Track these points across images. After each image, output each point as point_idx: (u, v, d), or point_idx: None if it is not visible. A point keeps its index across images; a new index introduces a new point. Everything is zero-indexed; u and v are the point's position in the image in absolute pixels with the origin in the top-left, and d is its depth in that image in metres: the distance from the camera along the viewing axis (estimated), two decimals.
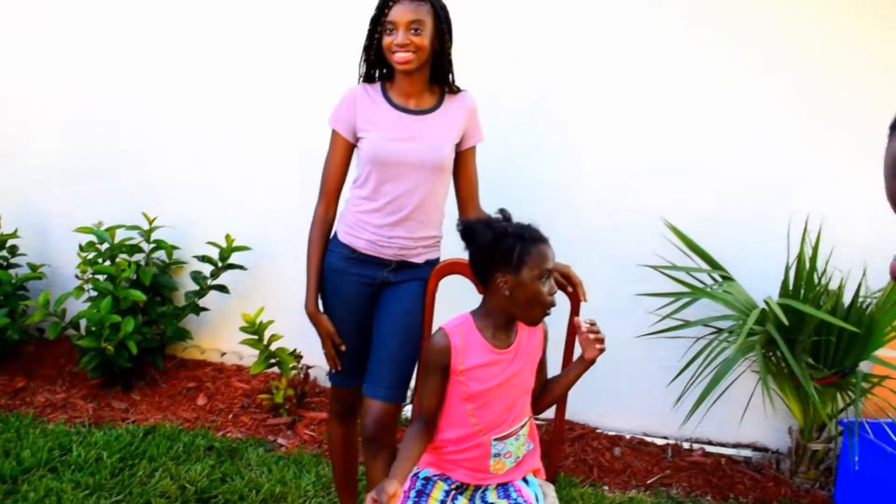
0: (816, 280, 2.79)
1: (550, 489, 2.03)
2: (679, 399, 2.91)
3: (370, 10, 2.14)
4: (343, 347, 2.23)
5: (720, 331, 2.85)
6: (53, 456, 2.77)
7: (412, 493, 1.87)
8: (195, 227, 3.51)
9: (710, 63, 3.03)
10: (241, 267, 3.40)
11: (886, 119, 2.92)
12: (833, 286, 2.84)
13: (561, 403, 2.13)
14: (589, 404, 3.27)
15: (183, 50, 3.44)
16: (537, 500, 1.90)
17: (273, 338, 3.20)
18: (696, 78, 3.05)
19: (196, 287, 3.43)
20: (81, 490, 2.59)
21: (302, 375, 3.33)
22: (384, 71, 2.21)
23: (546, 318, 1.86)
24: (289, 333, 3.21)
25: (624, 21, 3.06)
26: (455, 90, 2.23)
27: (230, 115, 3.44)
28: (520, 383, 1.88)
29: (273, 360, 3.21)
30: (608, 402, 3.30)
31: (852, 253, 2.95)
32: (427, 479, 1.89)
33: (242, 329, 3.14)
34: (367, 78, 2.23)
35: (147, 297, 3.26)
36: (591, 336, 1.88)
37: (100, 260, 3.24)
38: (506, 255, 1.77)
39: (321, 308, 2.23)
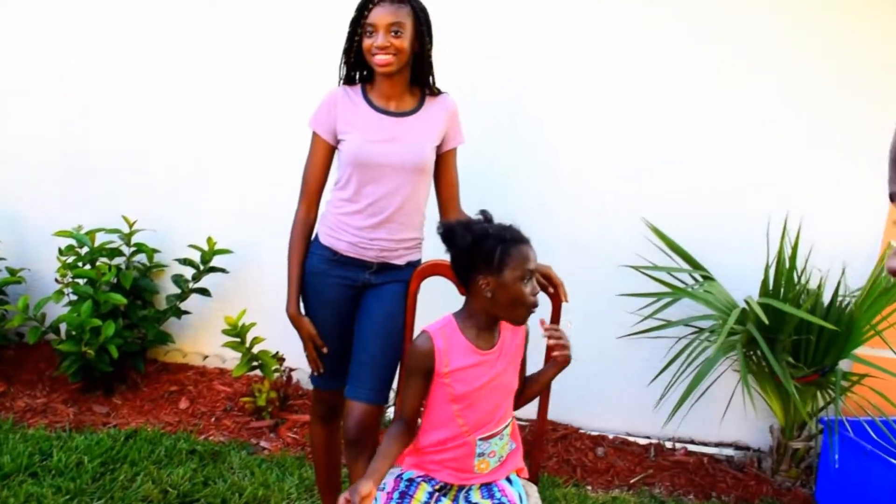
0: (796, 279, 2.81)
1: (533, 489, 2.04)
2: (661, 399, 2.92)
3: None
4: (325, 350, 2.22)
5: (701, 330, 2.86)
6: (34, 461, 2.74)
7: (395, 495, 1.87)
8: (176, 230, 3.49)
9: (690, 63, 3.05)
10: (222, 270, 3.39)
11: (861, 120, 2.97)
12: (813, 285, 2.87)
13: (543, 404, 2.13)
14: (572, 404, 3.29)
15: (174, 51, 3.41)
16: (521, 500, 1.91)
17: (255, 340, 3.19)
18: (675, 78, 3.06)
19: (177, 290, 3.41)
20: (62, 495, 2.56)
21: (284, 378, 3.32)
22: (364, 73, 2.21)
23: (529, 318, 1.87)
24: (271, 336, 3.20)
25: (601, 20, 3.07)
26: (436, 92, 2.23)
27: (215, 117, 3.42)
28: (504, 383, 1.89)
29: (255, 363, 3.20)
30: (591, 402, 3.31)
31: (831, 252, 2.98)
32: (410, 480, 1.89)
33: (225, 332, 3.13)
34: (348, 80, 2.23)
35: (128, 301, 3.24)
36: (551, 342, 1.89)
37: (80, 264, 3.21)
38: (487, 257, 1.77)
39: (303, 310, 2.23)
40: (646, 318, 2.97)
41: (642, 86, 3.08)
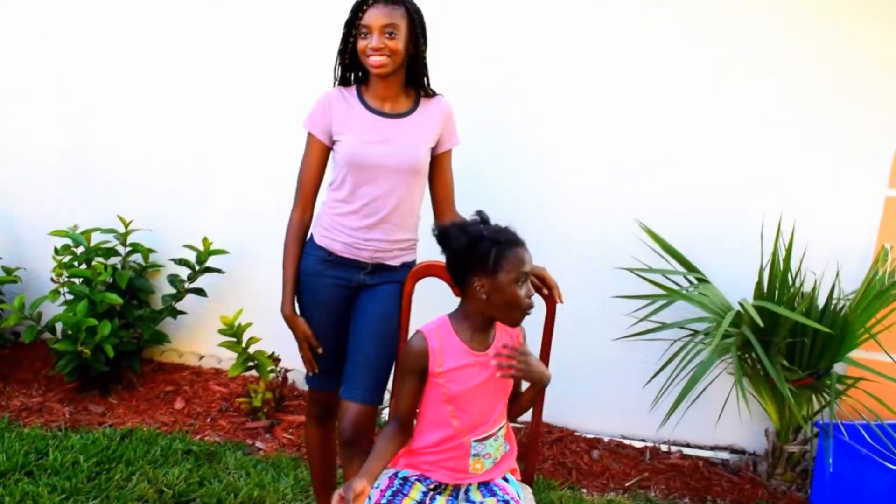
0: (790, 282, 2.81)
1: (528, 491, 2.04)
2: (655, 401, 2.92)
3: None
4: (320, 350, 2.23)
5: (696, 333, 2.87)
6: (29, 460, 2.75)
7: (388, 493, 1.87)
8: (172, 230, 3.49)
9: (686, 65, 3.05)
10: (218, 270, 3.39)
11: (857, 122, 2.97)
12: (807, 288, 2.87)
13: (537, 407, 2.13)
14: (567, 407, 3.29)
15: (173, 51, 3.42)
16: (521, 497, 1.91)
17: (251, 341, 3.19)
18: (671, 80, 3.06)
19: (173, 290, 3.41)
20: (58, 494, 2.57)
21: (280, 379, 3.33)
22: (359, 74, 2.22)
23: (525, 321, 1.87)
24: (267, 337, 3.20)
25: (598, 20, 3.07)
26: (431, 94, 2.24)
27: (212, 117, 3.43)
28: (499, 385, 1.89)
29: (251, 364, 3.20)
30: (587, 405, 3.31)
31: (826, 254, 2.98)
32: (405, 479, 1.89)
33: (221, 331, 3.13)
34: (343, 81, 2.23)
35: (123, 301, 3.24)
36: (493, 363, 1.84)
37: (75, 263, 3.22)
38: (482, 259, 1.77)
39: (297, 311, 2.23)
40: (641, 320, 2.98)
41: (637, 87, 3.09)
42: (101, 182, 3.55)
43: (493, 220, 1.89)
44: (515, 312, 1.81)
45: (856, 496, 2.73)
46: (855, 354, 2.84)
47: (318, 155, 2.21)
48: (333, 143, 2.18)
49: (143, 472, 2.74)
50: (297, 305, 2.24)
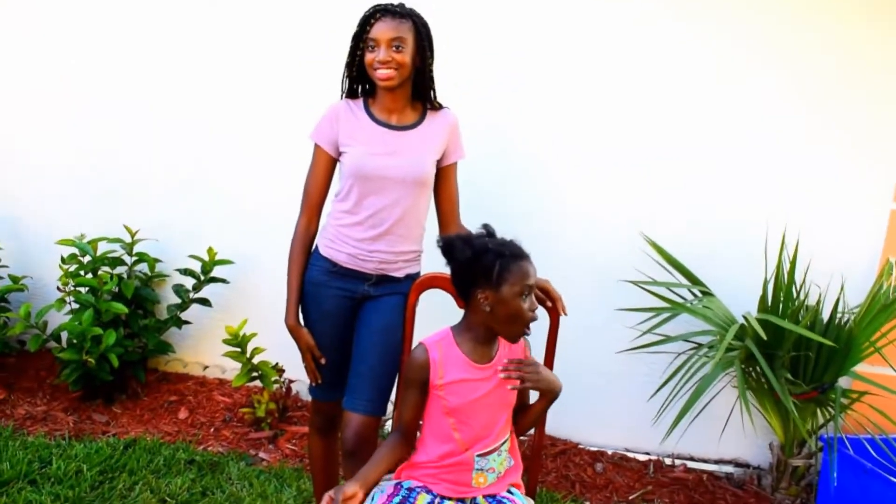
0: (795, 295, 2.81)
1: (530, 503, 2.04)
2: (659, 415, 2.92)
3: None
4: (323, 361, 2.23)
5: (700, 346, 2.86)
6: (33, 468, 2.75)
7: (395, 499, 1.87)
8: (178, 240, 3.51)
9: (689, 76, 3.06)
10: (223, 280, 3.40)
11: (862, 130, 2.97)
12: (812, 301, 2.86)
13: (540, 420, 2.13)
14: (571, 419, 3.28)
15: (176, 59, 3.43)
16: None
17: (256, 351, 3.19)
18: (674, 93, 3.07)
19: (178, 300, 3.42)
20: (61, 503, 2.57)
21: (284, 389, 3.33)
22: (366, 87, 2.23)
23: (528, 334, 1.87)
24: (271, 347, 3.21)
25: (601, 30, 3.08)
26: (437, 106, 2.25)
27: (217, 128, 3.44)
28: (501, 399, 1.89)
29: (255, 374, 3.20)
30: (590, 418, 3.31)
31: (830, 267, 2.98)
32: (410, 489, 1.89)
33: (225, 341, 3.13)
34: (350, 93, 2.25)
35: (129, 310, 3.25)
36: (501, 375, 1.85)
37: (82, 272, 3.23)
38: (486, 272, 1.78)
39: (301, 321, 2.24)
40: (644, 332, 2.97)
41: (641, 101, 3.09)
42: (107, 191, 3.57)
43: (498, 234, 1.90)
44: (518, 325, 1.81)
45: None
46: (859, 368, 2.83)
47: (325, 166, 2.22)
48: (340, 154, 2.20)
49: (147, 481, 2.74)
50: (301, 316, 2.25)
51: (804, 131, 3.02)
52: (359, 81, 2.23)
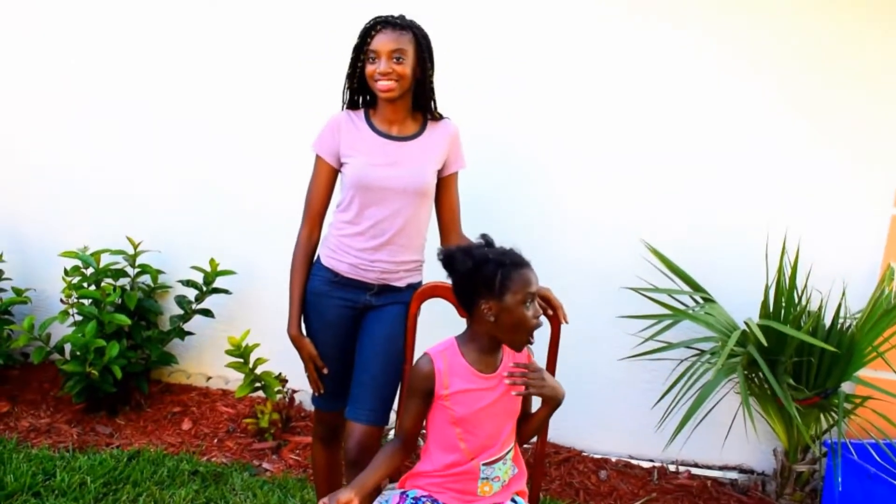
0: (796, 300, 2.81)
1: None
2: (662, 422, 2.92)
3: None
4: (325, 371, 2.24)
5: (703, 353, 2.86)
6: (37, 481, 2.75)
7: None
8: (180, 251, 3.51)
9: (690, 84, 3.07)
10: (225, 291, 3.41)
11: (862, 140, 2.97)
12: (814, 306, 2.87)
13: (543, 428, 2.13)
14: (575, 427, 3.28)
15: (179, 68, 3.44)
16: None
17: (258, 361, 3.20)
18: (675, 99, 3.08)
19: (181, 311, 3.43)
20: None
21: (287, 400, 3.33)
22: (367, 98, 2.25)
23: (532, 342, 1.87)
24: (274, 357, 3.21)
25: (602, 37, 3.09)
26: (438, 117, 2.27)
27: (220, 139, 3.45)
28: (506, 408, 1.90)
29: (258, 384, 3.20)
30: (594, 425, 3.31)
31: (832, 272, 2.98)
32: (416, 499, 1.90)
33: (228, 352, 3.14)
34: (351, 105, 2.26)
35: (132, 322, 3.25)
36: (507, 382, 1.87)
37: (85, 284, 3.24)
38: (488, 282, 1.79)
39: (304, 331, 2.25)
40: (646, 339, 2.97)
41: (641, 107, 3.10)
42: (110, 203, 3.58)
43: (497, 242, 1.90)
44: (523, 334, 1.82)
45: None
46: (862, 373, 2.83)
47: (326, 177, 2.24)
48: (341, 165, 2.21)
49: (150, 493, 2.74)
50: (303, 326, 2.25)
51: (805, 137, 3.03)
52: (360, 93, 2.25)
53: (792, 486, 3.00)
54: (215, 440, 3.21)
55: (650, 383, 3.14)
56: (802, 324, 2.76)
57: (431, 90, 2.23)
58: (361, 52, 2.15)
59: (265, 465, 3.05)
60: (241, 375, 3.23)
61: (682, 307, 2.99)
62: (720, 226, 3.11)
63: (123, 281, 3.39)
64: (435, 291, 2.13)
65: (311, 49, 3.25)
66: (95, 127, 3.55)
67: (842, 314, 2.79)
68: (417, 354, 1.95)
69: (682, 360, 2.96)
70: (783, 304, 2.79)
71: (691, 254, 3.08)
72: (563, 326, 2.10)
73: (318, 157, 2.24)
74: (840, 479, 2.78)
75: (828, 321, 2.82)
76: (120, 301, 3.27)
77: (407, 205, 2.18)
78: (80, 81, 3.53)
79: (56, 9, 3.50)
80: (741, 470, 3.26)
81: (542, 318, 1.88)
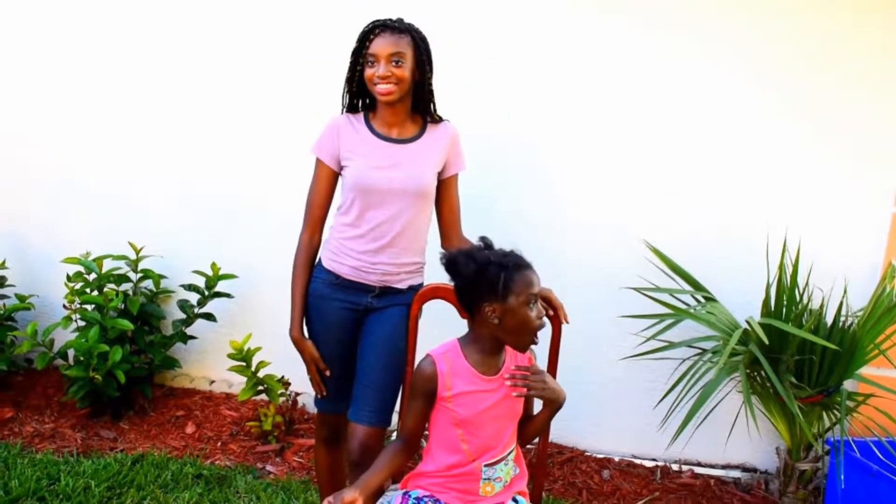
0: (798, 298, 2.81)
1: None
2: (664, 421, 2.92)
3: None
4: (328, 373, 2.25)
5: (705, 352, 2.87)
6: (41, 485, 2.76)
7: None
8: (182, 256, 3.52)
9: (690, 83, 3.07)
10: (227, 295, 3.42)
11: (863, 139, 2.97)
12: (815, 304, 2.87)
13: (544, 430, 2.13)
14: (577, 427, 3.29)
15: (180, 69, 3.45)
16: None
17: (261, 364, 3.20)
18: (675, 99, 3.08)
19: (183, 316, 3.43)
20: None
21: (290, 402, 3.34)
22: (367, 101, 2.26)
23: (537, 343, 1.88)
24: (277, 360, 3.21)
25: (604, 37, 3.10)
26: (437, 119, 2.27)
27: (221, 143, 3.46)
28: (508, 409, 1.91)
29: (261, 388, 3.21)
30: (596, 425, 3.31)
31: (833, 270, 2.98)
32: (418, 499, 1.91)
33: (230, 356, 3.14)
34: (351, 108, 2.27)
35: (135, 327, 3.26)
36: (508, 384, 1.87)
37: (87, 290, 3.25)
38: (491, 285, 1.79)
39: (306, 334, 2.26)
40: (648, 339, 2.98)
41: (642, 108, 3.10)
42: (112, 209, 3.59)
43: (499, 243, 1.91)
44: (527, 335, 1.83)
45: None
46: (864, 371, 2.83)
47: (327, 180, 2.25)
48: (341, 168, 2.22)
49: (154, 496, 2.75)
50: (305, 328, 2.26)
51: (805, 135, 3.03)
52: (359, 96, 2.26)
53: (795, 484, 3.00)
54: (219, 443, 3.22)
55: (652, 383, 3.15)
56: (804, 322, 2.76)
57: (430, 92, 2.24)
58: (360, 56, 2.16)
59: (269, 467, 3.06)
60: (244, 379, 3.24)
61: (683, 306, 2.99)
62: (721, 225, 3.12)
63: (126, 286, 3.40)
64: (436, 293, 2.14)
65: (311, 49, 3.26)
66: (97, 132, 3.56)
67: (843, 312, 2.79)
68: (419, 356, 1.96)
69: (684, 360, 2.96)
70: (785, 303, 2.79)
71: (692, 253, 3.08)
72: (565, 327, 2.10)
73: (318, 161, 2.25)
74: (843, 477, 2.78)
75: (829, 319, 2.82)
76: (123, 306, 3.28)
77: (407, 207, 2.19)
78: (79, 83, 3.54)
79: (57, 11, 3.51)
80: (744, 468, 3.26)
81: (545, 319, 1.89)
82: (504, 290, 1.78)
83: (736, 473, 3.23)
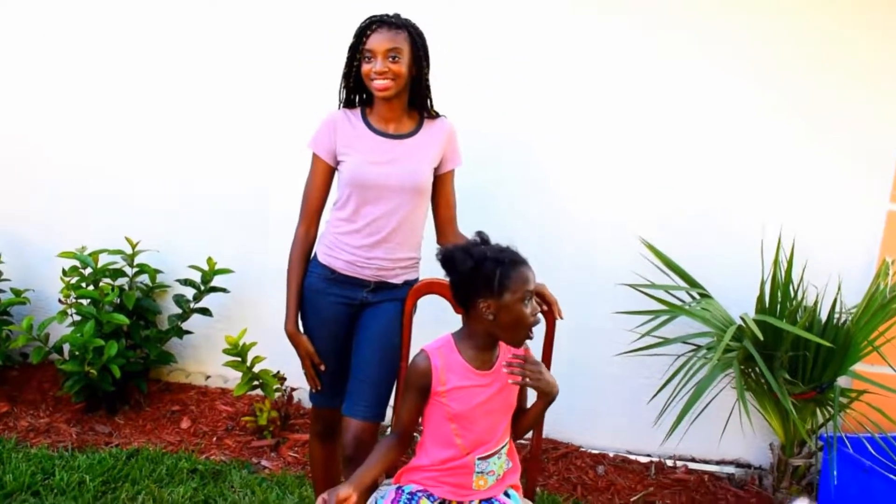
0: (792, 295, 2.82)
1: None
2: (659, 417, 2.93)
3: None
4: (322, 367, 2.25)
5: (699, 348, 2.88)
6: (36, 480, 2.76)
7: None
8: (178, 251, 3.52)
9: (685, 80, 3.08)
10: (223, 290, 3.41)
11: (858, 136, 2.98)
12: (809, 301, 2.88)
13: (537, 423, 2.14)
14: (572, 423, 3.30)
15: (175, 66, 3.44)
16: None
17: (256, 359, 3.21)
18: (670, 95, 3.09)
19: (179, 310, 3.43)
20: None
21: (286, 397, 3.34)
22: (364, 96, 2.26)
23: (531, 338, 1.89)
24: (273, 355, 3.21)
25: (599, 35, 3.10)
26: (434, 115, 2.28)
27: (216, 138, 3.45)
28: (502, 404, 1.91)
29: (257, 383, 3.21)
30: (591, 421, 3.32)
31: (827, 267, 2.99)
32: (412, 494, 1.91)
33: (226, 351, 3.15)
34: (348, 103, 2.27)
35: (130, 321, 3.26)
36: (505, 370, 1.87)
37: (83, 284, 3.24)
38: (487, 281, 1.80)
39: (301, 328, 2.26)
40: (643, 335, 2.99)
41: (637, 104, 3.11)
42: (108, 203, 3.58)
43: (495, 238, 1.91)
44: (521, 331, 1.84)
45: None
46: (858, 367, 2.85)
47: (323, 175, 2.25)
48: (338, 163, 2.22)
49: (149, 491, 2.75)
50: (300, 323, 2.27)
51: (801, 134, 3.04)
52: (356, 91, 2.26)
53: (788, 479, 3.02)
54: (214, 438, 3.22)
55: (648, 379, 3.15)
56: (798, 319, 2.77)
57: (427, 88, 2.24)
58: (357, 52, 2.16)
59: (264, 462, 3.06)
60: (240, 374, 3.24)
61: (678, 303, 3.00)
62: (716, 222, 3.13)
63: (122, 280, 3.39)
64: (431, 288, 2.14)
65: (311, 49, 3.25)
66: (93, 127, 3.55)
67: (837, 309, 2.80)
68: (413, 351, 1.97)
69: (678, 356, 2.97)
70: (779, 299, 2.80)
71: (687, 250, 3.09)
72: (560, 322, 2.11)
73: (314, 156, 2.25)
74: (836, 473, 2.80)
75: (823, 316, 2.83)
76: (118, 301, 3.28)
77: (403, 202, 2.19)
78: (77, 80, 3.53)
79: (57, 11, 3.50)
80: (738, 464, 3.28)
81: (539, 315, 1.89)
82: (500, 286, 1.78)
83: (730, 469, 3.25)
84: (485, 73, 3.17)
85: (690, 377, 2.73)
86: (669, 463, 3.27)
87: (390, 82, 2.12)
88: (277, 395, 3.29)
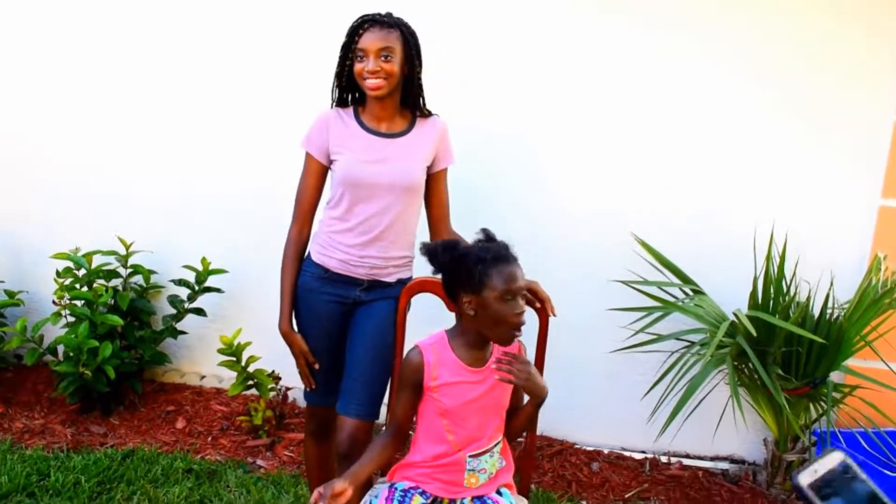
0: (785, 291, 2.84)
1: (524, 503, 2.06)
2: (653, 413, 2.94)
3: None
4: (317, 366, 2.26)
5: (692, 344, 2.89)
6: (31, 481, 2.76)
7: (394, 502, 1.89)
8: (172, 251, 3.52)
9: (680, 77, 3.08)
10: (217, 290, 3.41)
11: (849, 132, 2.99)
12: (802, 297, 2.89)
13: (530, 425, 2.15)
14: (566, 419, 3.30)
15: (170, 65, 3.43)
16: None
17: (251, 359, 3.21)
18: (664, 92, 3.09)
19: (173, 311, 3.43)
20: None
21: (280, 397, 3.34)
22: (356, 95, 2.26)
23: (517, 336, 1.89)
24: (267, 355, 3.21)
25: (592, 32, 3.11)
26: (426, 114, 2.28)
27: (210, 137, 3.45)
28: (494, 402, 1.91)
29: (251, 382, 3.22)
30: (585, 418, 3.33)
31: (820, 263, 3.00)
32: (404, 491, 1.92)
33: (220, 351, 3.15)
34: (340, 102, 2.28)
35: (125, 322, 3.26)
36: (494, 366, 1.86)
37: (77, 285, 3.24)
38: (469, 276, 1.80)
39: (295, 327, 2.27)
40: (637, 332, 3.00)
41: (631, 102, 3.12)
42: (101, 204, 3.57)
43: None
44: (503, 328, 1.82)
45: None
46: (851, 363, 2.86)
47: (316, 174, 2.25)
48: (331, 162, 2.22)
49: (145, 491, 2.75)
50: (294, 321, 2.27)
51: (793, 128, 3.05)
52: (349, 90, 2.26)
53: (782, 475, 3.03)
54: (209, 438, 3.22)
55: (642, 375, 3.16)
56: (791, 314, 2.78)
57: (420, 87, 2.25)
58: (349, 51, 2.17)
59: (259, 461, 3.06)
60: (235, 374, 3.24)
61: (671, 299, 3.01)
62: (709, 218, 3.13)
63: (116, 281, 3.39)
64: (424, 286, 2.15)
65: (311, 49, 3.25)
66: (87, 128, 3.54)
67: (830, 304, 2.81)
68: (407, 349, 1.97)
69: (672, 352, 2.98)
70: (772, 295, 2.81)
71: (680, 246, 3.10)
72: (553, 319, 2.11)
73: (307, 155, 2.25)
74: None
75: (816, 312, 2.84)
76: (112, 301, 3.28)
77: (396, 201, 2.20)
78: (77, 81, 3.52)
79: (57, 11, 3.49)
80: (732, 460, 3.29)
81: (528, 313, 1.89)
82: (479, 282, 1.78)
83: (724, 465, 3.26)
84: (485, 73, 3.18)
85: (684, 373, 2.74)
86: (664, 459, 3.28)
87: (382, 81, 2.12)
88: (272, 394, 3.29)
